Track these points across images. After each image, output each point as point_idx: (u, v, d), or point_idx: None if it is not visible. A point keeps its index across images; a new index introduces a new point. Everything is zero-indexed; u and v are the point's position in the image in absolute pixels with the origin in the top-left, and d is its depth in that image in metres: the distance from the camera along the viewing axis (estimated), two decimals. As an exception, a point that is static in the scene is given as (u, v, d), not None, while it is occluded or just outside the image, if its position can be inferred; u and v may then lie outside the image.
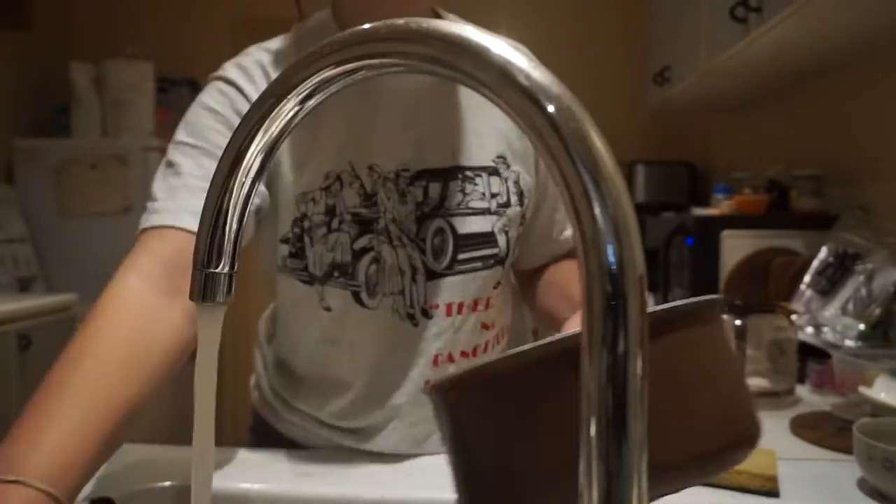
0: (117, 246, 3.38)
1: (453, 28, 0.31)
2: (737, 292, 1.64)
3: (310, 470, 0.78)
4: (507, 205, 0.87)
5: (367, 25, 0.34)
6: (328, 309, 0.83)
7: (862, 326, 1.27)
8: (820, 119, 2.02)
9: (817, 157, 1.97)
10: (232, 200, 0.39)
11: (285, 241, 0.82)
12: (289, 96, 0.37)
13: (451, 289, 0.84)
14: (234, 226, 0.40)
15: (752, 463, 0.77)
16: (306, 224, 0.81)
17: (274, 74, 0.82)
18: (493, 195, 0.86)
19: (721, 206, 2.06)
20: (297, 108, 0.38)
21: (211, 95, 0.81)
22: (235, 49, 0.87)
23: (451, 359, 0.86)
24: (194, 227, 0.66)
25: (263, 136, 0.39)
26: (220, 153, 0.68)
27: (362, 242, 0.82)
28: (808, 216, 1.82)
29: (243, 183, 0.39)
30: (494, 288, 0.88)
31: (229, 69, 0.82)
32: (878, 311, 1.27)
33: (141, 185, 2.84)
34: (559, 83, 0.30)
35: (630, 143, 3.05)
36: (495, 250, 0.86)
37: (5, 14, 2.90)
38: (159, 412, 2.56)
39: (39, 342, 2.15)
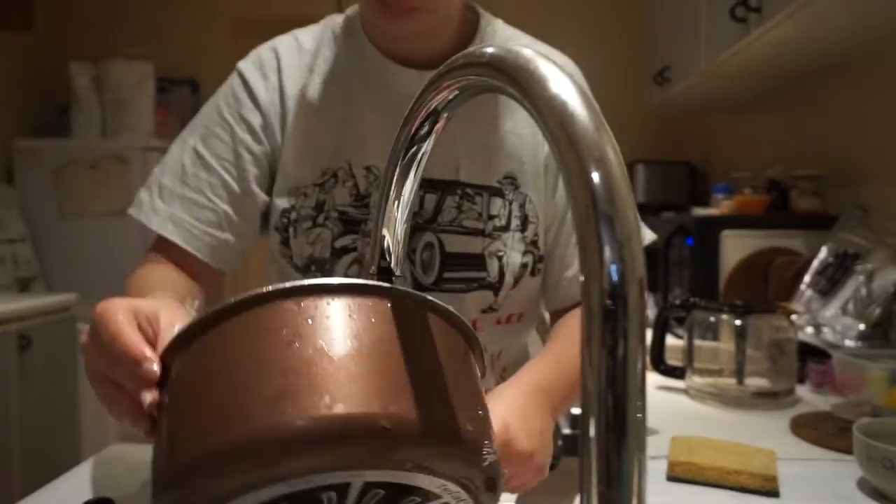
0: (117, 246, 3.38)
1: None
2: (737, 292, 1.64)
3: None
4: (504, 228, 0.83)
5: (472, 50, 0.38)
6: None
7: (862, 326, 1.27)
8: (820, 119, 2.02)
9: (817, 157, 1.97)
10: (398, 212, 0.47)
11: (277, 228, 0.85)
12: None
13: None
14: (400, 232, 0.46)
15: (752, 463, 0.77)
16: (293, 216, 0.83)
17: (287, 68, 0.84)
18: (491, 217, 0.83)
19: (721, 206, 2.06)
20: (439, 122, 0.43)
21: (226, 97, 0.85)
22: (235, 49, 0.87)
23: None
24: (179, 239, 0.80)
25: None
26: (216, 166, 0.82)
27: (344, 241, 0.82)
28: (808, 216, 1.82)
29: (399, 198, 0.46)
30: (484, 312, 0.85)
31: (249, 63, 0.86)
32: (878, 311, 1.27)
33: (141, 185, 2.84)
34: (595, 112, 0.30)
35: (630, 143, 3.05)
36: (482, 274, 0.83)
37: (5, 14, 2.90)
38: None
39: (39, 342, 2.15)
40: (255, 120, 0.83)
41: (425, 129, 0.43)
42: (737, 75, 2.05)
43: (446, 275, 0.82)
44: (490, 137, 0.84)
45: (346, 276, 0.81)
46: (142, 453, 0.82)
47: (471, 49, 0.38)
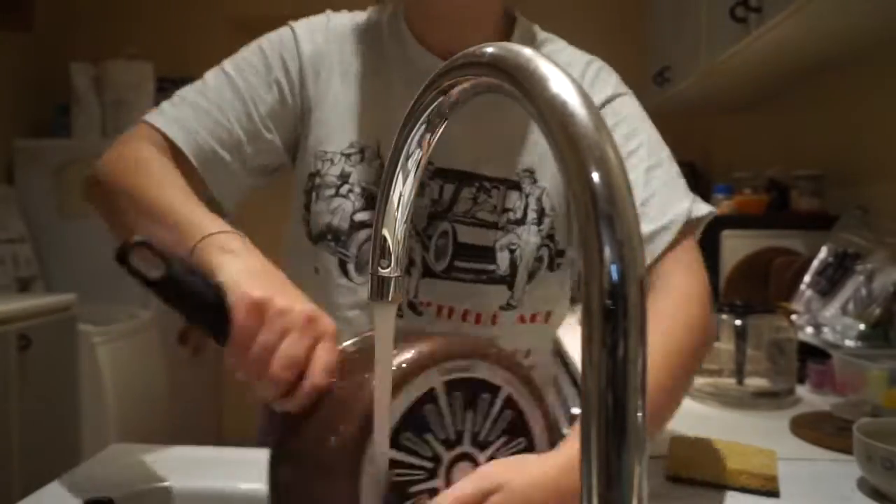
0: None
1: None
2: (737, 292, 1.64)
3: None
4: (520, 222, 0.84)
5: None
6: (317, 271, 0.85)
7: (862, 326, 1.27)
8: (820, 119, 2.02)
9: (817, 157, 1.97)
10: (400, 211, 0.45)
11: (305, 192, 0.86)
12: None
13: (445, 292, 0.84)
14: (401, 233, 0.46)
15: (752, 463, 0.77)
16: (317, 181, 0.84)
17: (335, 34, 0.87)
18: (505, 210, 0.84)
19: (721, 206, 2.06)
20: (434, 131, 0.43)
21: (271, 37, 0.87)
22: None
23: None
24: (179, 139, 0.79)
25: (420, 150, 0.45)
26: (244, 90, 0.81)
27: (364, 216, 0.83)
28: (808, 216, 1.81)
29: (404, 195, 0.45)
30: (503, 309, 0.85)
31: (302, 22, 0.88)
32: (878, 311, 1.27)
33: (141, 185, 2.84)
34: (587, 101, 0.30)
35: (630, 143, 3.04)
36: (491, 266, 0.83)
37: (5, 14, 2.90)
38: (157, 413, 2.56)
39: (39, 342, 2.15)
40: (293, 66, 0.85)
41: (425, 129, 0.43)
42: (737, 75, 2.04)
43: (457, 263, 0.84)
44: (512, 130, 0.85)
45: (360, 250, 0.83)
46: (142, 453, 0.82)
47: (471, 49, 0.37)
